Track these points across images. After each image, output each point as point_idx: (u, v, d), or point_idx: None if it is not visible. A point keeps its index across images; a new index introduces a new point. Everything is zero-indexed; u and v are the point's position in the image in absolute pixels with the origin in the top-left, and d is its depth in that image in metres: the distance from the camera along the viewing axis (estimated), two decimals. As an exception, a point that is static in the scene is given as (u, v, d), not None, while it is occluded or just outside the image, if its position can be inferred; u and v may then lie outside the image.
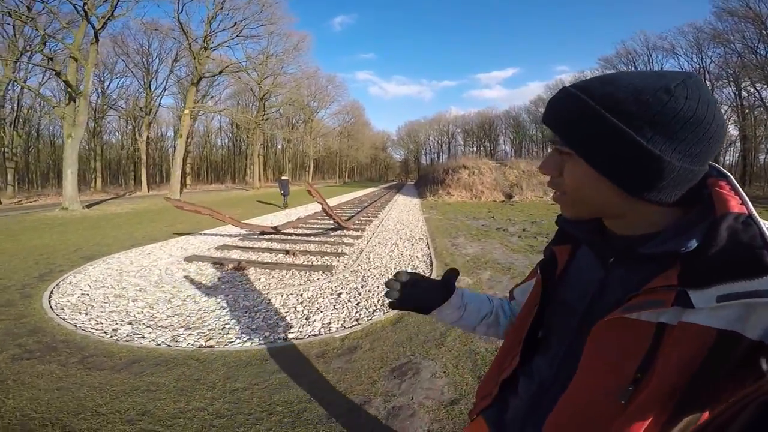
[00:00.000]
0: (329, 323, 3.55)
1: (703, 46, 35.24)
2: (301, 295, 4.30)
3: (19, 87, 22.85)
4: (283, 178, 16.23)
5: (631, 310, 0.47)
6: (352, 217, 10.93)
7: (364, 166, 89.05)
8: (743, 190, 0.48)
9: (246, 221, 8.97)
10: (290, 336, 3.28)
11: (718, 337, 0.41)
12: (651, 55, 41.11)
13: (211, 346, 3.05)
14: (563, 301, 0.62)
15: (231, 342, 3.13)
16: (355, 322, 3.56)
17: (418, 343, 3.12)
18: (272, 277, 5.01)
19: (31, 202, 20.64)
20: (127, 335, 3.28)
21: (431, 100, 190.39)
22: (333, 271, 5.21)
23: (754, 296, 0.39)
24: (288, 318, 3.66)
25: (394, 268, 5.38)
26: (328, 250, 6.60)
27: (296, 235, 8.10)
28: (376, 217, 11.54)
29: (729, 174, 0.49)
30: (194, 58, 23.06)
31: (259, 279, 4.94)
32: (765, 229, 0.43)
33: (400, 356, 2.92)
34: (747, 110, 32.31)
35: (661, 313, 0.45)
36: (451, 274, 0.80)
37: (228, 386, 2.48)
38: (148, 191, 29.41)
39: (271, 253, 6.35)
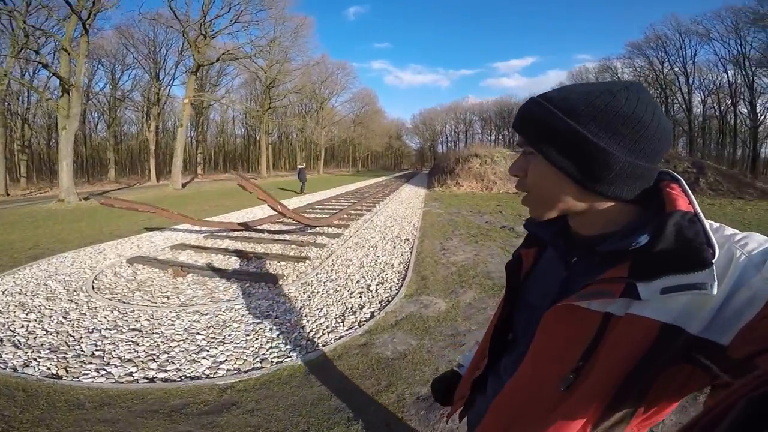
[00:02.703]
0: (222, 362, 2.70)
1: (742, 30, 32.14)
2: (218, 315, 3.47)
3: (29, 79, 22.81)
4: (300, 166, 17.95)
5: (581, 298, 0.49)
6: (342, 210, 9.92)
7: (378, 154, 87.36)
8: None
9: (213, 218, 8.11)
10: (160, 376, 2.51)
11: (661, 330, 0.43)
12: (684, 41, 37.86)
13: (58, 377, 2.50)
14: (528, 301, 0.64)
15: (85, 374, 2.53)
16: (258, 365, 2.67)
17: (326, 411, 2.17)
18: (205, 287, 4.23)
19: (41, 193, 20.70)
20: (-18, 353, 2.77)
21: (448, 89, 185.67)
22: (279, 283, 4.30)
23: (693, 288, 0.42)
24: (178, 348, 2.87)
25: (358, 281, 4.40)
26: (292, 253, 5.69)
27: (269, 232, 7.23)
28: (369, 211, 10.52)
29: (680, 178, 0.52)
30: (191, 46, 22.47)
31: (188, 290, 4.17)
32: (708, 226, 0.45)
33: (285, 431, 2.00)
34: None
35: (609, 303, 0.47)
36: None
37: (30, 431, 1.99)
38: (157, 181, 29.42)
39: (225, 255, 5.55)
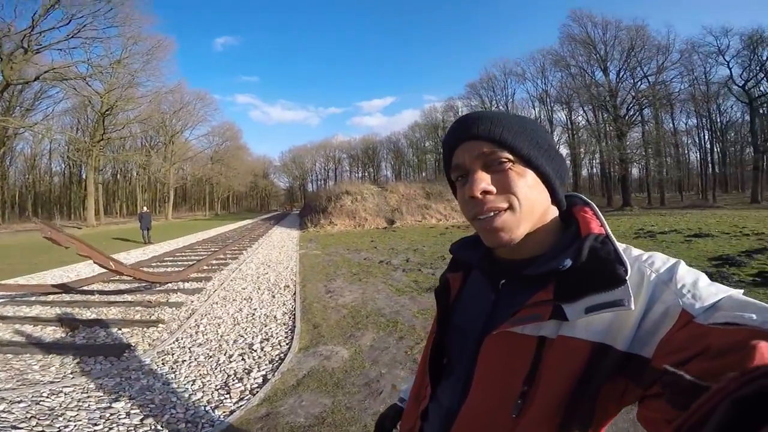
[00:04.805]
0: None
1: (546, 71, 41.19)
2: (40, 402, 2.47)
3: None
4: (142, 211, 15.76)
5: (514, 324, 0.49)
6: (200, 260, 8.46)
7: (242, 195, 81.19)
8: None
9: (15, 280, 6.00)
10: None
11: (592, 350, 0.45)
12: (507, 81, 46.32)
13: None
14: (459, 325, 0.63)
15: None
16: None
17: None
18: (9, 367, 3.03)
19: None
20: None
21: (318, 127, 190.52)
22: (125, 354, 3.28)
23: (613, 306, 0.43)
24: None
25: (235, 341, 3.65)
26: (137, 317, 4.46)
27: (101, 293, 5.60)
28: (235, 259, 9.31)
29: (591, 202, 0.57)
30: (2, 60, 17.56)
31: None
32: (618, 246, 0.49)
33: None
34: (574, 131, 39.21)
35: (540, 327, 0.48)
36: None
37: None
38: None
39: (35, 326, 4.08)
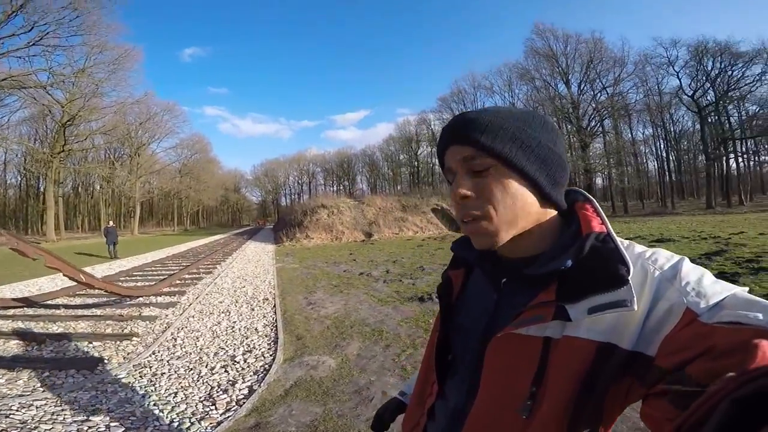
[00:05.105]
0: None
1: (513, 84, 42.96)
2: (10, 415, 2.36)
3: None
4: (109, 225, 15.51)
5: (518, 326, 0.49)
6: (172, 275, 8.15)
7: (212, 209, 78.75)
8: None
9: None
10: None
11: (597, 349, 0.44)
12: (476, 94, 48.03)
13: None
14: (462, 325, 0.62)
15: None
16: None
17: None
18: None
19: None
20: None
21: (291, 140, 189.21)
22: (98, 368, 3.13)
23: (616, 307, 0.43)
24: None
25: (216, 353, 3.52)
26: (109, 331, 4.24)
27: (67, 307, 5.27)
28: (209, 273, 9.01)
29: (592, 198, 0.55)
30: None
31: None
32: (620, 244, 0.47)
33: None
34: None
35: (545, 328, 0.47)
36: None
37: None
38: None
39: None
